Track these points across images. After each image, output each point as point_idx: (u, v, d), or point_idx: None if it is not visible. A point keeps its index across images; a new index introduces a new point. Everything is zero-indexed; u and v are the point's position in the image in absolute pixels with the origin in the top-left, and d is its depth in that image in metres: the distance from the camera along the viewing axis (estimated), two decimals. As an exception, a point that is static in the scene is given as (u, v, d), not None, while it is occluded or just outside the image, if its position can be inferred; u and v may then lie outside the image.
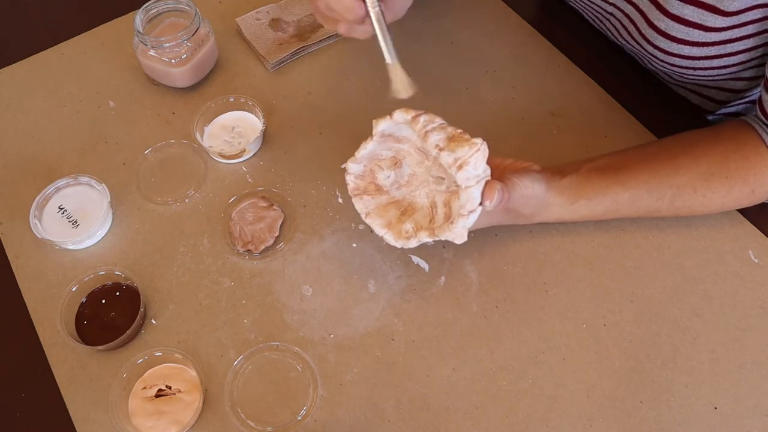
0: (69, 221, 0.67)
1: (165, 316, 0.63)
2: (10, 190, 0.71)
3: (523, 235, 0.66)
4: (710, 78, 0.69)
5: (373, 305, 0.63)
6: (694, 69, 0.67)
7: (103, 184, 0.68)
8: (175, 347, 0.61)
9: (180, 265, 0.66)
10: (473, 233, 0.66)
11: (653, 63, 0.70)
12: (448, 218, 0.57)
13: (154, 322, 0.63)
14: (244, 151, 0.71)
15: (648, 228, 0.66)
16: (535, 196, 0.60)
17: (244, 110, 0.74)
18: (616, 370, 0.60)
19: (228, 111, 0.74)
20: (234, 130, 0.73)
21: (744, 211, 0.67)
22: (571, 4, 0.79)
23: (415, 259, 0.65)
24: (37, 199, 0.67)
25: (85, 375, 0.61)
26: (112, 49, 0.82)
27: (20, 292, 0.65)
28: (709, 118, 0.81)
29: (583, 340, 0.61)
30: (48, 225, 0.67)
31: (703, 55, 0.64)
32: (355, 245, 0.67)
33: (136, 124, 0.75)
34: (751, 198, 0.62)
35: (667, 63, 0.67)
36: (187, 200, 0.70)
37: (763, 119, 0.62)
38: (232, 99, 0.74)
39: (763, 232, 0.66)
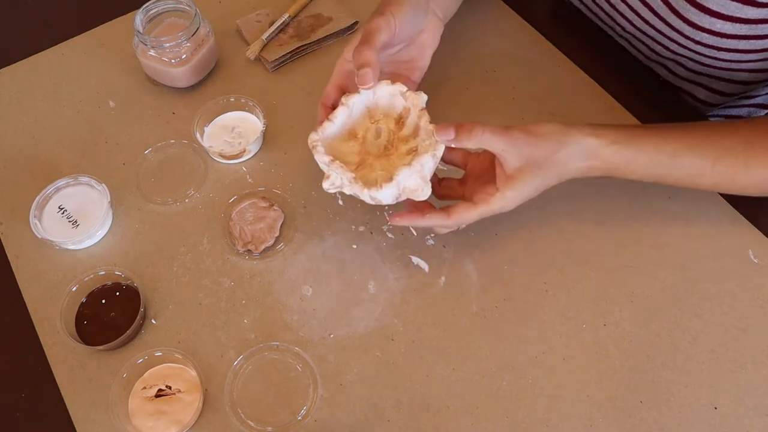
0: (69, 221, 0.67)
1: (165, 316, 0.63)
2: (10, 190, 0.71)
3: (523, 235, 0.66)
4: (728, 64, 0.68)
5: (373, 305, 0.63)
6: (719, 49, 0.65)
7: (103, 184, 0.68)
8: (175, 347, 0.61)
9: (180, 265, 0.66)
10: (473, 233, 0.67)
11: (673, 47, 0.68)
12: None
13: (154, 322, 0.63)
14: (245, 151, 0.71)
15: (648, 227, 0.66)
16: (551, 130, 0.57)
17: (244, 110, 0.74)
18: (616, 370, 0.60)
19: (228, 111, 0.74)
20: (234, 131, 0.73)
21: (744, 211, 0.67)
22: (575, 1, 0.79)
23: (415, 259, 0.66)
24: (37, 199, 0.68)
25: (85, 375, 0.61)
26: (112, 49, 0.82)
27: (20, 292, 0.65)
28: (715, 117, 0.80)
29: (583, 340, 0.61)
30: (48, 225, 0.67)
31: (734, 33, 0.63)
32: (355, 246, 0.67)
33: (136, 124, 0.75)
34: None
35: (692, 41, 0.66)
36: (187, 200, 0.70)
37: None
38: (232, 99, 0.74)
39: (763, 232, 0.66)
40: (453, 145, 0.57)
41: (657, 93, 0.77)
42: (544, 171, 0.58)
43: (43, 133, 0.75)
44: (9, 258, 0.67)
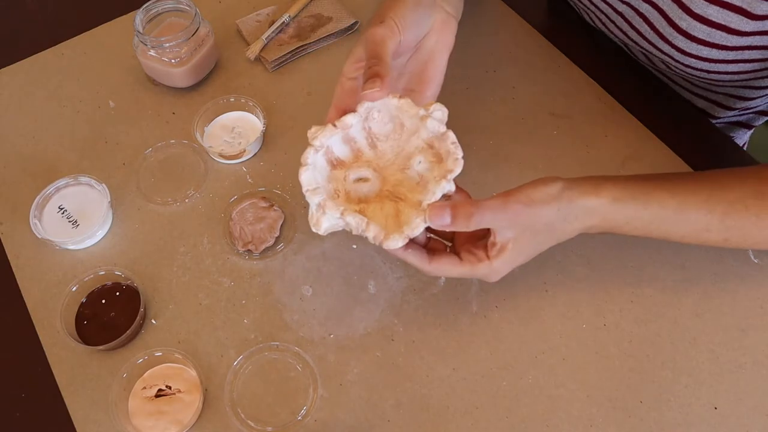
0: (69, 221, 0.67)
1: (165, 316, 0.63)
2: (10, 190, 0.71)
3: (523, 235, 0.66)
4: (721, 83, 0.68)
5: (373, 306, 0.63)
6: (708, 72, 0.65)
7: (103, 184, 0.68)
8: (175, 347, 0.61)
9: (180, 265, 0.66)
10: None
11: (666, 63, 0.68)
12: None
13: (154, 322, 0.63)
14: (244, 151, 0.71)
15: (648, 228, 0.66)
16: (551, 195, 0.53)
17: (244, 110, 0.74)
18: (616, 370, 0.60)
19: (228, 111, 0.74)
20: (234, 131, 0.73)
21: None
22: (571, 2, 0.79)
23: (415, 259, 0.65)
24: (37, 199, 0.68)
25: (85, 375, 0.61)
26: (112, 49, 0.82)
27: (20, 292, 0.65)
28: (714, 122, 0.80)
29: (583, 340, 0.61)
30: (48, 225, 0.67)
31: (721, 58, 0.63)
32: (355, 246, 0.67)
33: (136, 124, 0.75)
34: None
35: (681, 64, 0.66)
36: (187, 200, 0.70)
37: None
38: (232, 99, 0.74)
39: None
40: (447, 230, 0.52)
41: (658, 93, 0.77)
42: (540, 236, 0.55)
43: (43, 133, 0.75)
44: (9, 258, 0.67)
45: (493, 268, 0.55)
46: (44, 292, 0.65)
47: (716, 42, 0.62)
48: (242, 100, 0.74)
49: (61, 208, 0.68)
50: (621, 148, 0.71)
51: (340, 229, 0.54)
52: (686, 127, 0.73)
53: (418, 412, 0.58)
